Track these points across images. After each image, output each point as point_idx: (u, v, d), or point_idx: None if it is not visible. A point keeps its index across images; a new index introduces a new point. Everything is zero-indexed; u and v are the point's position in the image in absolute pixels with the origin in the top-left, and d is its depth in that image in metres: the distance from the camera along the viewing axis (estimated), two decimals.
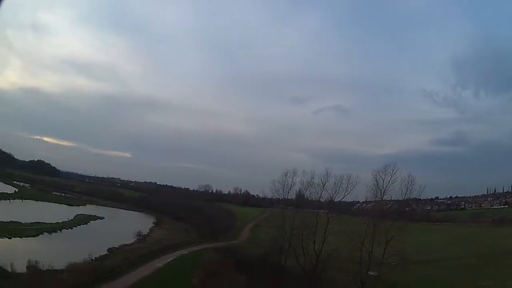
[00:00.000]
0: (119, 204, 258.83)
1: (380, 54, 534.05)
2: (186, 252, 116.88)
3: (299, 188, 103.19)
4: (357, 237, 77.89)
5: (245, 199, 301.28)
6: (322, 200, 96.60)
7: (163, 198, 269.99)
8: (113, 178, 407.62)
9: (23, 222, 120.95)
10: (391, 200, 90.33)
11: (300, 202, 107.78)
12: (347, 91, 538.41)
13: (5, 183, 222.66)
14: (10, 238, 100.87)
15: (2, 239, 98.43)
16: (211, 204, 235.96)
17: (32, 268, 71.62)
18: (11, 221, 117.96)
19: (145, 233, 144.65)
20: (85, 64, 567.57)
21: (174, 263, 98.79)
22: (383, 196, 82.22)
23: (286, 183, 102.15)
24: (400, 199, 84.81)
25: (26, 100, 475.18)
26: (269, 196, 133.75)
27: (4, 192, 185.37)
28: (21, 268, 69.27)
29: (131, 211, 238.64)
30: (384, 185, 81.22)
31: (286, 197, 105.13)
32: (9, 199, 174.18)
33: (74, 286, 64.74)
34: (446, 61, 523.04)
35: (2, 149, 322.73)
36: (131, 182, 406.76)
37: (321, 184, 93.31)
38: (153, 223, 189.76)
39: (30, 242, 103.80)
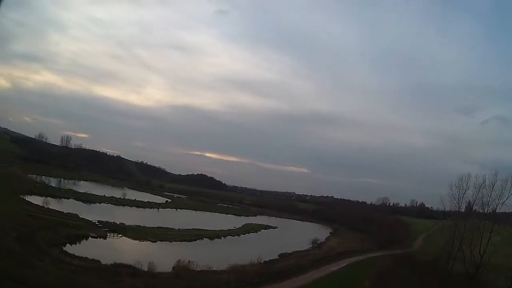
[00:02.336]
0: (293, 215, 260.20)
1: None
2: (361, 258, 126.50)
3: (469, 200, 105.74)
4: None
5: (420, 211, 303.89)
6: (489, 210, 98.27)
7: (340, 210, 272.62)
8: (287, 192, 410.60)
9: (175, 228, 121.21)
10: None
11: (469, 213, 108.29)
12: (509, 99, 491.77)
13: (152, 193, 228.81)
14: (154, 241, 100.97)
15: (142, 242, 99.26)
16: (388, 216, 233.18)
17: (180, 268, 72.40)
18: (159, 227, 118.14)
19: (321, 241, 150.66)
20: (249, 82, 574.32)
21: (349, 268, 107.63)
22: None
23: (459, 193, 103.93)
24: None
25: (177, 117, 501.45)
26: (442, 208, 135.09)
27: (151, 201, 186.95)
28: (166, 268, 71.33)
29: (306, 222, 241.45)
30: None
31: (459, 208, 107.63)
32: (157, 208, 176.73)
33: (234, 285, 67.67)
34: None
35: (148, 163, 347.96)
36: (307, 196, 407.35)
37: (490, 185, 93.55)
38: (329, 232, 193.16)
39: (184, 246, 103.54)
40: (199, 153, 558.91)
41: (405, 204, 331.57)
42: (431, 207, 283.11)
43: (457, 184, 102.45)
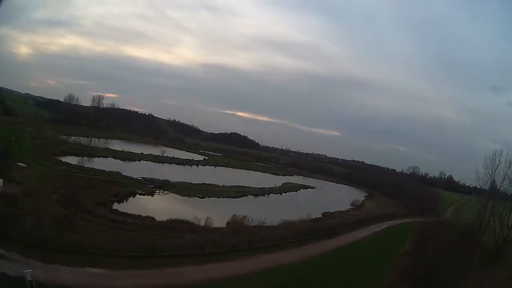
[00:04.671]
0: (327, 177, 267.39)
1: None
2: (399, 223, 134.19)
3: (494, 179, 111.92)
4: None
5: (448, 184, 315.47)
6: None
7: (373, 175, 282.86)
8: (318, 154, 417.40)
9: (220, 184, 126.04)
10: None
11: (496, 192, 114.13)
12: None
13: (187, 151, 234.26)
14: (202, 197, 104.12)
15: (191, 198, 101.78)
16: (418, 185, 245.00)
17: (235, 223, 75.84)
18: (203, 183, 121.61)
19: (359, 203, 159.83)
20: (282, 43, 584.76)
21: (389, 230, 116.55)
22: None
23: (492, 167, 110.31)
24: None
25: (210, 76, 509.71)
26: (469, 183, 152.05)
27: (190, 159, 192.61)
28: (220, 223, 74.45)
29: (340, 184, 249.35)
30: None
31: (492, 182, 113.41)
32: (197, 165, 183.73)
33: (290, 240, 73.24)
34: None
35: (181, 121, 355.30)
36: (338, 159, 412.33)
37: None
38: (364, 196, 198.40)
39: (231, 202, 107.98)
40: (230, 112, 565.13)
41: (434, 176, 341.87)
42: (459, 181, 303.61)
43: (490, 158, 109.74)
